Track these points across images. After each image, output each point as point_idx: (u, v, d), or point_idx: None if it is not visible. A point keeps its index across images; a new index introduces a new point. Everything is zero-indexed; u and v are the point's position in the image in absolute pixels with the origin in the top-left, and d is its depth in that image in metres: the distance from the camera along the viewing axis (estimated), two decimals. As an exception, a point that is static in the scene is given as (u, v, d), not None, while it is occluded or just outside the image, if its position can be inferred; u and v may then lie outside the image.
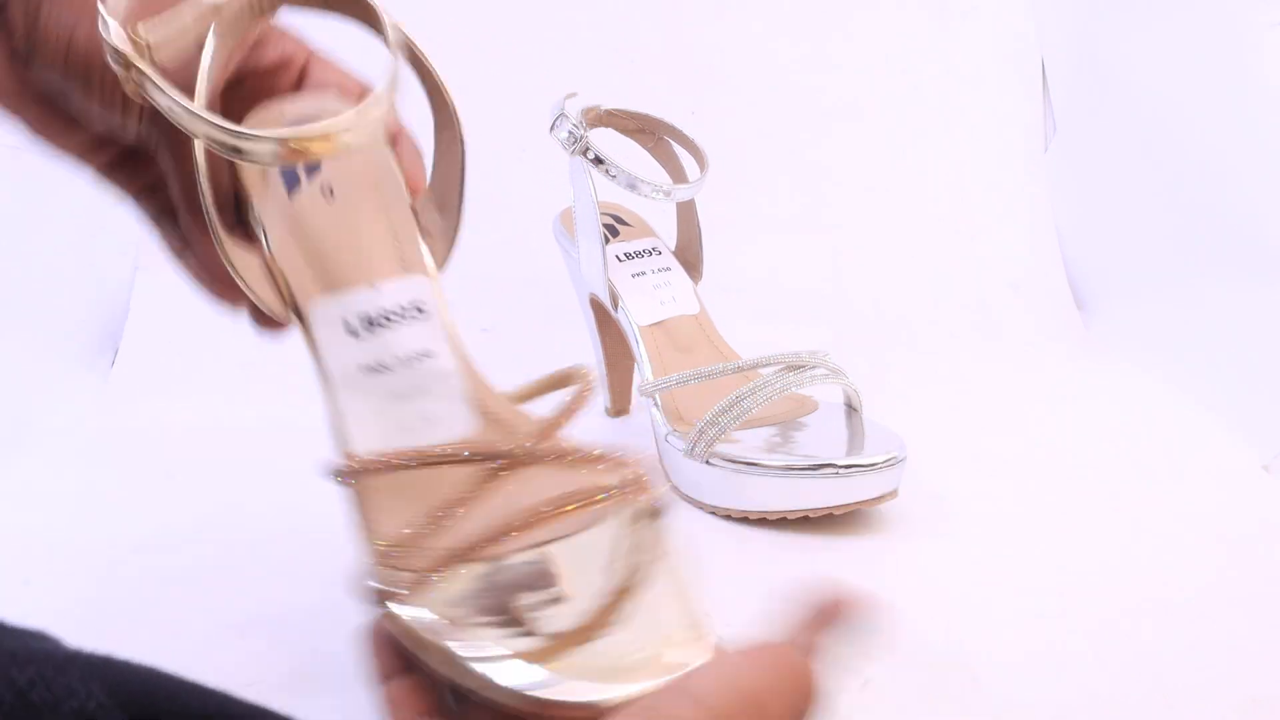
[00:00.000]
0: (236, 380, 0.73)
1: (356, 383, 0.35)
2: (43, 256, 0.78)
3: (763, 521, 0.53)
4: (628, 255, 0.64)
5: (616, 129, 0.66)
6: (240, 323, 0.39)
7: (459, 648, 0.29)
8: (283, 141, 0.29)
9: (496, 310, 0.78)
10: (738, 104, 0.92)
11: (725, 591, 0.47)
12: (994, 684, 0.40)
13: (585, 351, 0.67)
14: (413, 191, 0.39)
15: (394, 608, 0.31)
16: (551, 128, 0.61)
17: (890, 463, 0.52)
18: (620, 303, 0.62)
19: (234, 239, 0.35)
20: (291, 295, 0.37)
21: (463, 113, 0.41)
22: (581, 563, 0.31)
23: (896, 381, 0.71)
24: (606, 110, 0.64)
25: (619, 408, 0.68)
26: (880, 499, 0.52)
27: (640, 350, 0.60)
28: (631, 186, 0.58)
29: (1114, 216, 0.86)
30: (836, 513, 0.52)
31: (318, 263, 0.37)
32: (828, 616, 0.28)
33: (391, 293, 0.37)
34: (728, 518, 0.54)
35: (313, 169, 0.38)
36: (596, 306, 0.65)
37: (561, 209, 0.67)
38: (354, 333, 0.36)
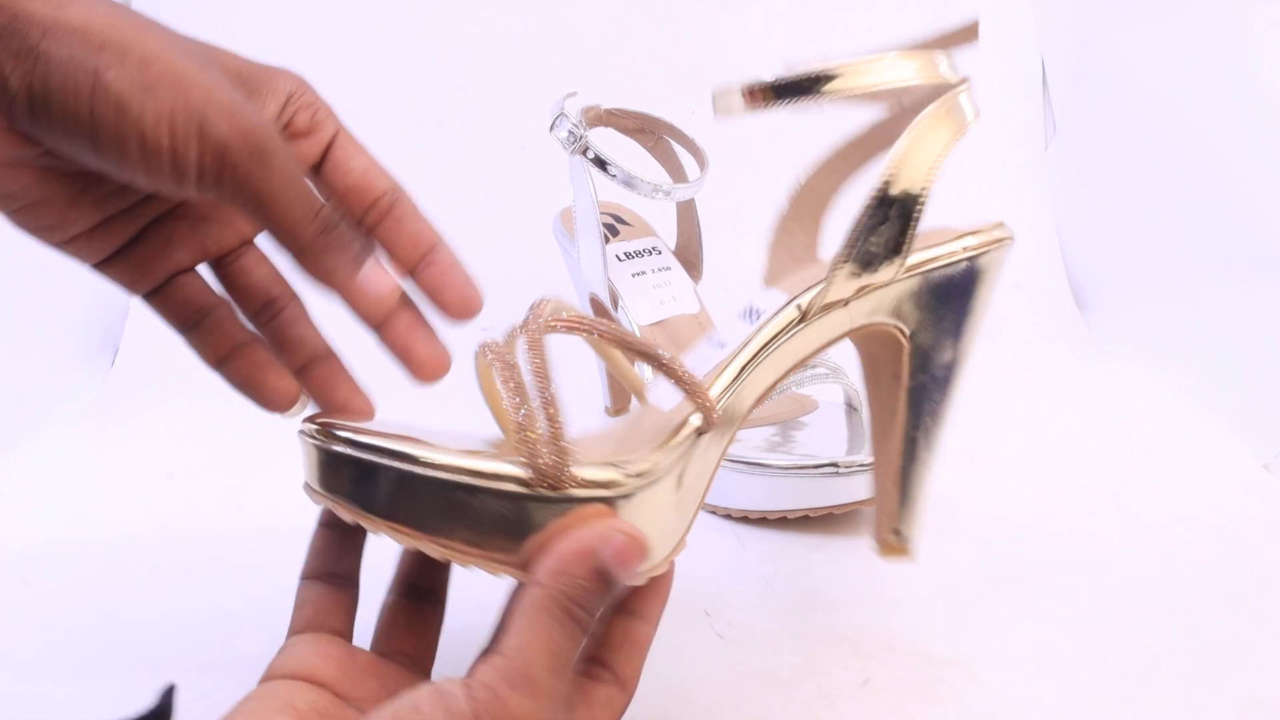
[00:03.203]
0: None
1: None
2: (43, 256, 0.78)
3: (763, 521, 0.53)
4: (628, 255, 0.64)
5: (616, 128, 0.66)
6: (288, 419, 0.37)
7: None
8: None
9: (496, 310, 0.78)
10: (738, 104, 0.92)
11: (725, 591, 0.47)
12: (994, 684, 0.40)
13: (585, 351, 0.67)
14: (453, 310, 0.35)
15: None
16: (551, 127, 0.61)
17: (890, 462, 0.52)
18: (620, 302, 0.62)
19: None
20: None
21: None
22: None
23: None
24: (606, 110, 0.64)
25: (619, 407, 0.68)
26: (880, 499, 0.52)
27: (640, 350, 0.60)
28: (631, 186, 0.58)
29: (1114, 216, 0.86)
30: (836, 512, 0.52)
31: None
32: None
33: None
34: (728, 517, 0.54)
35: None
36: (596, 306, 0.65)
37: (561, 208, 0.67)
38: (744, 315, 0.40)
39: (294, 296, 0.36)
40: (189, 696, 0.40)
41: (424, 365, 0.34)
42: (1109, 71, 0.88)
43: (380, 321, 0.34)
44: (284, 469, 0.61)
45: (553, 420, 0.30)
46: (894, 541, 0.42)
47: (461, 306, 0.35)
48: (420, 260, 0.34)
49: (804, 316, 0.38)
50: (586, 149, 0.59)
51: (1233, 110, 0.75)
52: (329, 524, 0.36)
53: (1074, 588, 0.47)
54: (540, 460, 0.30)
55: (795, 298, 0.38)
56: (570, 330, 0.33)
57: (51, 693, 0.40)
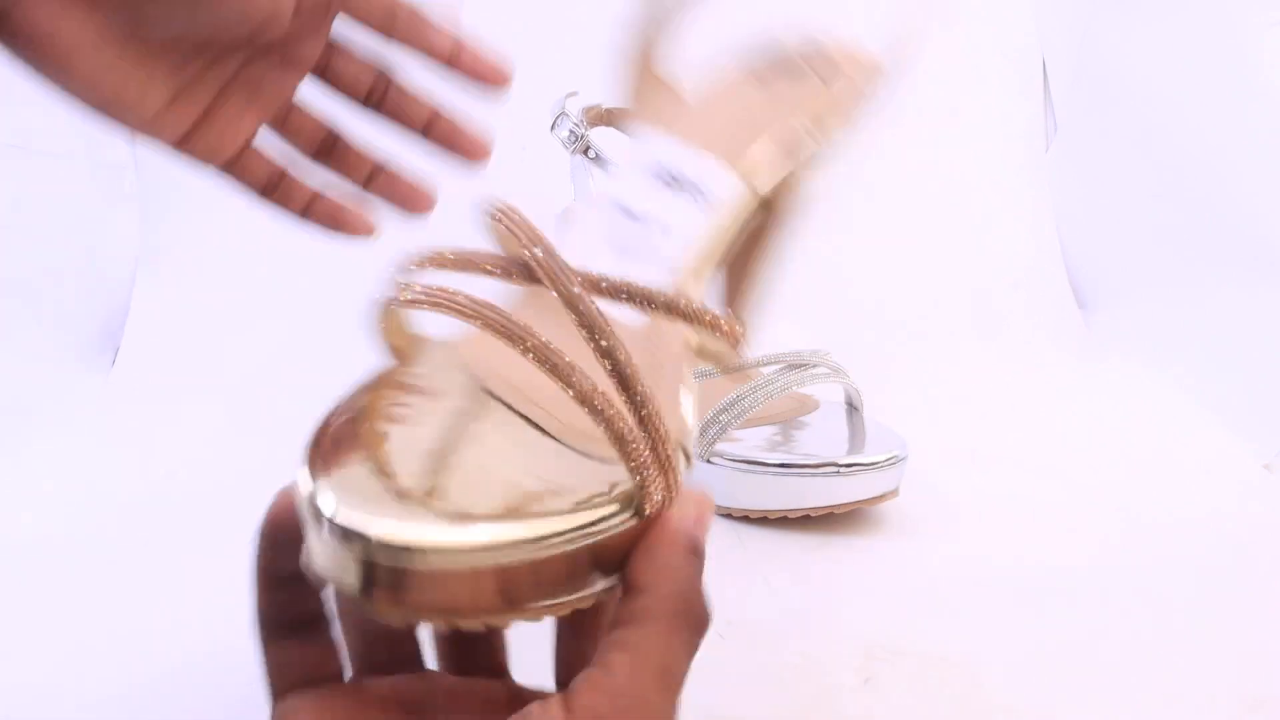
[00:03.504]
0: (237, 379, 0.73)
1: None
2: (43, 256, 0.78)
3: (763, 521, 0.53)
4: (628, 255, 0.64)
5: (618, 128, 0.66)
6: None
7: None
8: None
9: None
10: (738, 104, 0.92)
11: (725, 591, 0.47)
12: (994, 684, 0.40)
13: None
14: (493, 79, 0.40)
15: None
16: (552, 126, 0.61)
17: (891, 462, 0.52)
18: (621, 302, 0.62)
19: None
20: None
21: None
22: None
23: (897, 381, 0.71)
24: (608, 109, 0.64)
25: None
26: (881, 498, 0.52)
27: (640, 350, 0.60)
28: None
29: (1115, 216, 0.86)
30: (837, 512, 0.52)
31: None
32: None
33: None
34: (728, 517, 0.54)
35: None
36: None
37: (562, 208, 0.67)
38: (658, 177, 0.36)
39: (340, 136, 0.40)
40: (190, 696, 0.40)
41: (472, 147, 0.40)
42: (1109, 72, 0.88)
43: (452, 57, 0.39)
44: (284, 468, 0.61)
45: (669, 465, 0.26)
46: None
47: (499, 74, 0.40)
48: (452, 55, 0.40)
49: (767, 205, 0.34)
50: (588, 148, 0.59)
51: (1233, 110, 0.75)
52: (277, 571, 0.29)
53: (1074, 588, 0.47)
54: (655, 501, 0.26)
55: (753, 185, 0.35)
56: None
57: (52, 692, 0.40)
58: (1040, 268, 0.88)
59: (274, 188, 0.39)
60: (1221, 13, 0.77)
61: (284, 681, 0.29)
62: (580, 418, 0.26)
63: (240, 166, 0.38)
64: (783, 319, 0.81)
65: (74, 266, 0.80)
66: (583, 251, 0.32)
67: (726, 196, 0.34)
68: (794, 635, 0.43)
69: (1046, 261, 0.89)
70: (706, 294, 0.35)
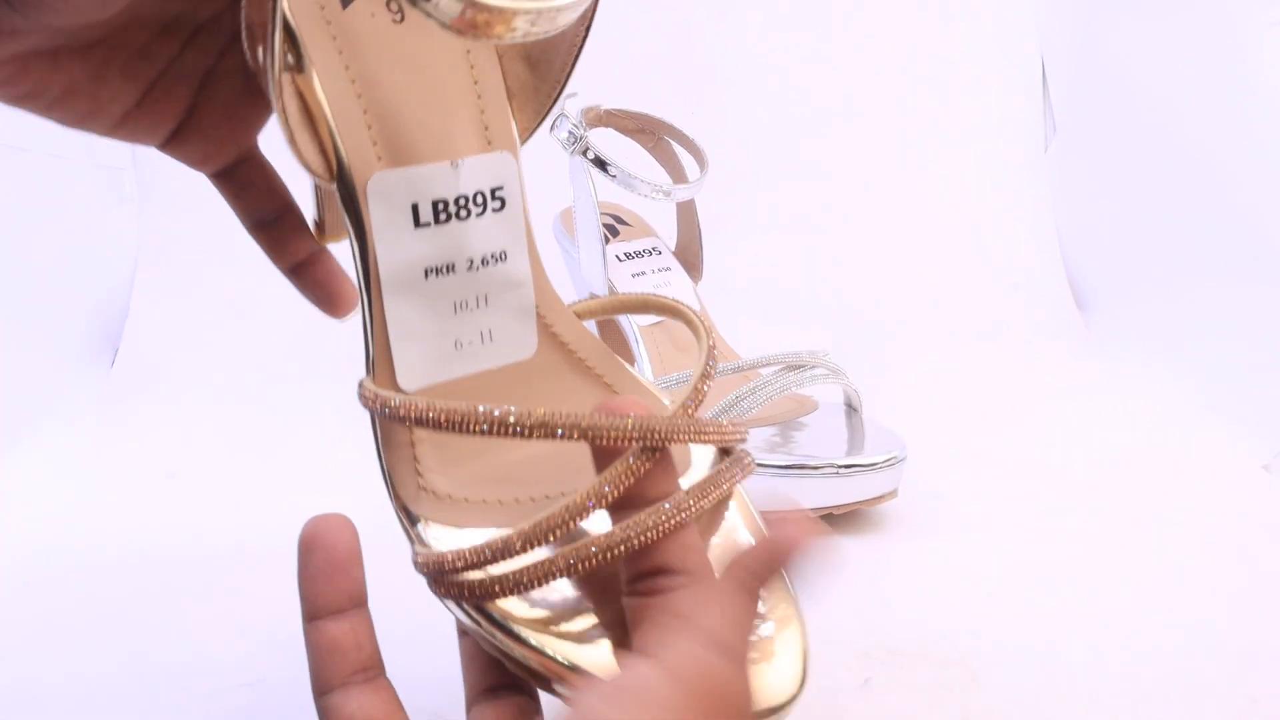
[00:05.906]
0: (236, 379, 0.73)
1: (412, 286, 0.28)
2: (43, 256, 0.78)
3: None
4: (628, 255, 0.64)
5: (617, 129, 0.66)
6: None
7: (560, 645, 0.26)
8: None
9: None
10: (738, 104, 0.92)
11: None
12: (994, 684, 0.40)
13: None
14: None
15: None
16: (551, 127, 0.61)
17: (890, 462, 0.52)
18: (620, 302, 0.62)
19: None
20: (340, 163, 0.27)
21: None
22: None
23: (896, 381, 0.71)
24: (607, 110, 0.64)
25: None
26: (880, 499, 0.52)
27: (640, 350, 0.60)
28: (631, 186, 0.58)
29: (1114, 216, 0.86)
30: (836, 513, 0.52)
31: (383, 120, 0.28)
32: (779, 559, 0.29)
33: (472, 174, 0.29)
34: (728, 517, 0.54)
35: None
36: (596, 306, 0.65)
37: (561, 209, 0.67)
38: (422, 223, 0.28)
39: (292, 210, 0.35)
40: (189, 696, 0.40)
41: (340, 298, 0.35)
42: (1109, 72, 0.88)
43: None
44: (284, 468, 0.61)
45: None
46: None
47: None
48: None
49: None
50: (587, 149, 0.59)
51: (1233, 110, 0.75)
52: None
53: (1074, 588, 0.47)
54: None
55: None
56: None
57: (51, 692, 0.40)
58: (1040, 268, 0.88)
59: (270, 224, 0.34)
60: (1221, 13, 0.77)
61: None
62: None
63: (236, 180, 0.33)
64: (783, 319, 0.81)
65: (74, 266, 0.80)
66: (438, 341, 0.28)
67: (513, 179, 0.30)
68: (793, 635, 0.43)
69: (1046, 261, 0.89)
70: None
